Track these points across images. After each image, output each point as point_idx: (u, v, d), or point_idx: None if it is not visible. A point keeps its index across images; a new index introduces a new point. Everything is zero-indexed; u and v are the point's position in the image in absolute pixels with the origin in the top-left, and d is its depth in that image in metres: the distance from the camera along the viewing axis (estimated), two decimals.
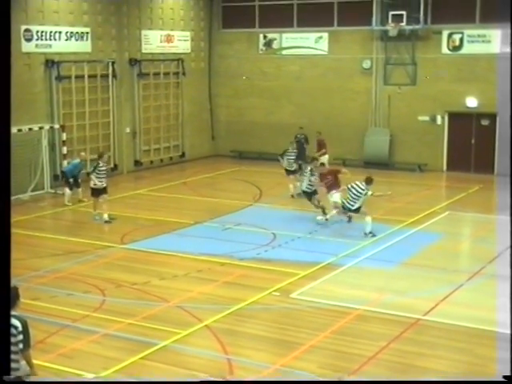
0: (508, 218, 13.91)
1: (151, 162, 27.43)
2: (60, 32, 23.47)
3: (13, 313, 8.05)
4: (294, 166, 22.02)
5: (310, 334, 11.48)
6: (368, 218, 17.33)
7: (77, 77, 24.09)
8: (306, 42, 28.48)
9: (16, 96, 21.89)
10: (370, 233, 17.21)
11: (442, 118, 26.43)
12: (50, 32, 23.11)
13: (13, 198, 20.49)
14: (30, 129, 21.81)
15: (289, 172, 22.09)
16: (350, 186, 17.57)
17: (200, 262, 15.25)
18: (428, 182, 24.63)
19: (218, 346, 10.97)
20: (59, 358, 10.47)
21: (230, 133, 30.03)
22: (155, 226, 18.35)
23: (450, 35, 25.98)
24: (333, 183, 18.43)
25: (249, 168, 27.10)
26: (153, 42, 27.26)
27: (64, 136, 22.79)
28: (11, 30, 22.06)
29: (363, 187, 17.38)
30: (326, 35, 28.09)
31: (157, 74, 27.43)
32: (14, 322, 7.97)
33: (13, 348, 7.92)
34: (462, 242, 17.92)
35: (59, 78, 23.37)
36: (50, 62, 23.10)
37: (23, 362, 8.03)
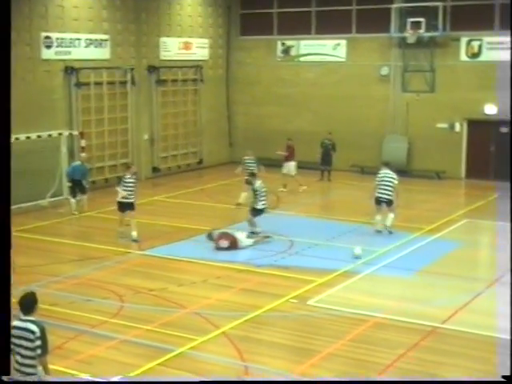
0: None
1: (169, 168, 27.53)
2: (79, 39, 23.66)
3: (30, 318, 8.11)
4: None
5: (327, 341, 11.46)
6: (392, 214, 18.05)
7: (96, 83, 24.25)
8: (323, 49, 28.50)
9: (36, 102, 22.19)
10: (389, 229, 17.92)
11: (461, 125, 26.33)
12: (70, 39, 23.30)
13: (32, 203, 20.71)
14: (50, 135, 21.95)
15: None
16: (379, 179, 18.42)
17: (218, 269, 15.28)
18: (446, 189, 24.52)
19: (234, 352, 10.98)
20: (77, 363, 10.52)
21: (247, 140, 30.01)
22: (173, 232, 18.41)
23: (468, 42, 25.90)
24: None
25: (267, 175, 27.01)
26: (171, 49, 27.39)
27: (83, 142, 22.92)
28: (32, 38, 22.20)
29: (391, 173, 18.38)
30: (344, 42, 28.09)
31: (175, 81, 27.55)
32: (32, 327, 8.03)
33: (30, 353, 7.98)
34: (480, 250, 17.83)
35: (78, 84, 23.54)
36: (70, 69, 23.27)
37: (40, 368, 8.08)
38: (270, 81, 29.53)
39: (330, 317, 12.58)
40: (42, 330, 8.03)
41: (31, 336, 7.95)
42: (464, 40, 25.93)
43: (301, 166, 26.15)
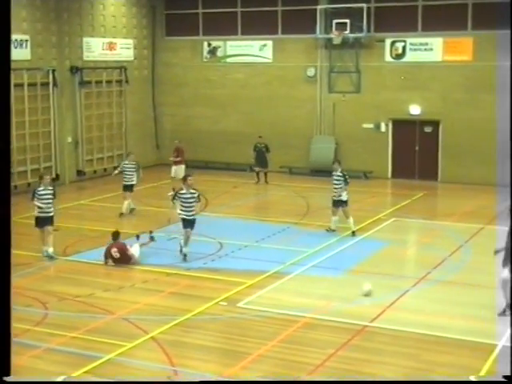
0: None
1: (94, 171, 27.15)
2: None
3: None
4: (134, 181, 20.56)
5: (257, 343, 11.48)
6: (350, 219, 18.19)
7: (16, 85, 23.65)
8: (250, 50, 28.61)
9: None
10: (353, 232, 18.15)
11: (386, 125, 26.83)
12: None
13: None
14: None
15: (126, 187, 20.52)
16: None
17: (146, 273, 15.14)
18: (373, 189, 24.93)
19: (164, 357, 10.89)
20: None
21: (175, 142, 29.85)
22: (99, 237, 18.12)
23: (392, 43, 26.42)
24: None
25: (195, 177, 26.97)
26: (95, 49, 27.02)
27: None
28: None
29: (339, 171, 18.19)
30: (270, 43, 28.26)
31: (99, 82, 27.20)
32: None
33: None
34: (407, 249, 18.18)
35: None
36: None
37: None
38: (197, 82, 29.46)
39: (260, 318, 12.61)
40: None
41: None
42: (388, 41, 26.44)
43: (230, 168, 26.30)
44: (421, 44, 25.98)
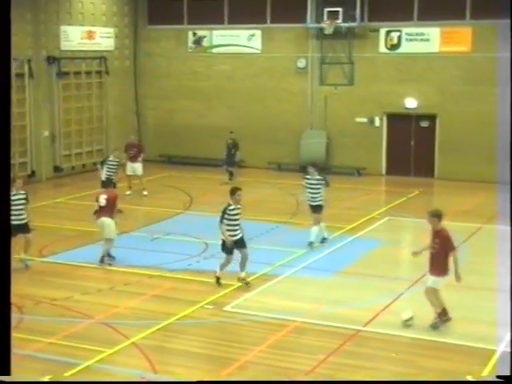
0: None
1: (73, 167, 27.09)
2: None
3: None
4: (115, 178, 20.09)
5: (244, 348, 11.50)
6: (315, 228, 17.21)
7: None
8: (237, 40, 28.61)
9: None
10: (311, 243, 17.08)
11: (381, 119, 26.89)
12: None
13: None
14: None
15: (104, 184, 18.25)
16: (305, 183, 17.44)
17: (127, 275, 15.12)
18: (367, 186, 25.01)
19: (146, 364, 10.89)
20: None
21: (158, 136, 29.88)
22: (78, 236, 18.11)
23: (387, 33, 26.48)
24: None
25: (179, 173, 27.03)
26: (73, 38, 26.95)
27: None
28: None
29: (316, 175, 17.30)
30: (258, 32, 28.26)
31: (78, 73, 27.16)
32: None
33: None
34: (402, 249, 18.23)
35: None
36: None
37: None
38: (181, 73, 29.43)
39: (247, 323, 12.63)
40: None
41: None
42: (383, 31, 26.50)
43: (215, 164, 26.30)
44: (417, 34, 26.07)
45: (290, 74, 27.92)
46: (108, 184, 17.49)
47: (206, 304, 13.37)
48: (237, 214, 14.37)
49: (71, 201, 22.54)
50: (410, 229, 20.35)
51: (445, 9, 25.48)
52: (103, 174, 20.38)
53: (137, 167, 23.23)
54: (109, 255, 15.97)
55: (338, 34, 26.61)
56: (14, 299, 13.37)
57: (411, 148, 26.67)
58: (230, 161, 25.32)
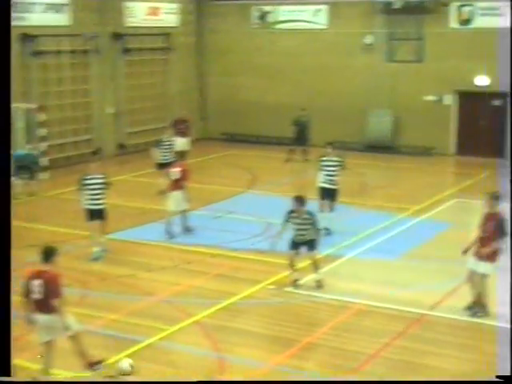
0: None
1: (136, 145, 27.39)
2: (36, 3, 23.36)
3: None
4: (171, 159, 19.44)
5: (307, 330, 11.56)
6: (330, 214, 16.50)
7: (55, 52, 24.02)
8: (303, 16, 28.44)
9: None
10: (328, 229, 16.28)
11: (450, 97, 26.45)
12: (26, 3, 23.00)
13: None
14: None
15: (163, 165, 19.31)
16: (321, 164, 16.62)
17: (190, 253, 15.29)
18: (435, 167, 24.70)
19: (208, 343, 11.04)
20: (35, 356, 10.49)
21: (221, 114, 29.98)
22: (141, 214, 18.38)
23: (459, 8, 25.96)
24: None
25: (242, 152, 27.08)
26: (137, 14, 27.17)
27: (42, 117, 22.71)
28: None
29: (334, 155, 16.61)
30: (325, 8, 28.03)
31: (142, 50, 27.39)
32: None
33: None
34: (469, 232, 17.95)
35: (35, 53, 23.31)
36: (25, 36, 23.02)
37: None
38: (244, 50, 29.42)
39: (310, 304, 12.67)
40: None
41: None
42: (454, 5, 25.98)
43: (279, 143, 26.26)
44: (490, 8, 25.45)
45: (356, 51, 27.64)
46: (163, 167, 17.94)
47: (269, 284, 13.45)
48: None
49: (135, 178, 22.83)
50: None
51: None
52: (158, 157, 20.37)
53: (185, 142, 23.56)
54: (187, 228, 16.51)
55: (407, 8, 26.20)
56: (78, 275, 13.78)
57: (482, 127, 26.17)
58: (303, 139, 25.18)
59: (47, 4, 23.74)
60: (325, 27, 28.17)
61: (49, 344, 9.67)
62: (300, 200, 13.38)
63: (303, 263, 13.77)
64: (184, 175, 16.49)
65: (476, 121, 26.22)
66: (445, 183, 22.49)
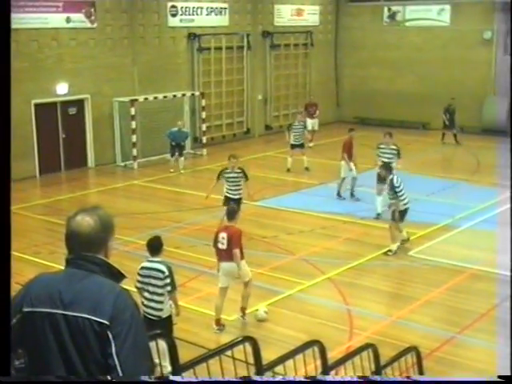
0: None
1: (280, 126, 27.46)
2: (202, 8, 23.82)
3: (158, 259, 8.39)
4: (301, 140, 19.87)
5: (425, 289, 11.31)
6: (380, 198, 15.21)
7: (215, 48, 24.43)
8: (428, 14, 27.48)
9: (162, 66, 22.62)
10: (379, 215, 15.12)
11: None
12: (193, 8, 23.51)
13: (158, 157, 21.23)
14: (174, 96, 22.42)
15: (294, 146, 19.78)
16: (378, 152, 15.37)
17: (324, 220, 15.25)
18: None
19: (339, 296, 11.01)
20: (197, 300, 10.85)
21: (353, 100, 29.59)
22: (283, 185, 18.49)
23: None
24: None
25: (370, 133, 26.56)
26: (284, 15, 27.15)
27: (203, 102, 23.27)
28: (159, 6, 22.42)
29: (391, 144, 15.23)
30: (448, 7, 26.97)
31: (287, 45, 27.38)
32: (160, 266, 8.30)
33: (159, 290, 8.27)
34: None
35: (200, 49, 23.80)
36: (193, 35, 23.54)
37: (168, 304, 8.35)
38: (375, 45, 28.80)
39: (428, 267, 12.38)
40: (170, 270, 8.29)
41: (160, 275, 8.22)
42: None
43: (403, 126, 25.69)
44: None
45: (475, 45, 26.45)
46: (295, 147, 18.99)
47: (389, 251, 13.20)
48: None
49: (278, 155, 22.95)
50: None
51: None
52: (291, 138, 19.93)
53: (315, 122, 24.04)
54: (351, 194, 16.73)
55: None
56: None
57: None
58: (453, 125, 24.44)
59: (210, 8, 24.14)
60: (447, 24, 27.11)
61: (224, 289, 9.94)
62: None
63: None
64: (347, 147, 16.83)
65: None
66: None
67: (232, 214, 10.01)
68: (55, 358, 2.98)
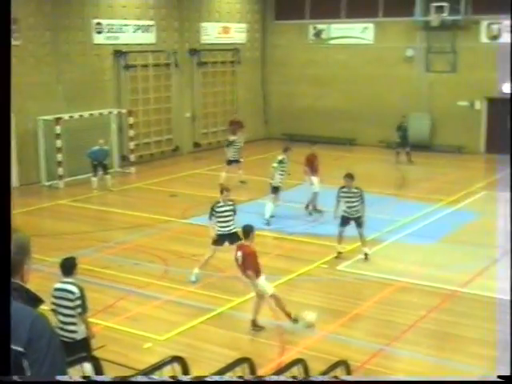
0: None
1: (209, 143, 27.56)
2: (128, 25, 23.69)
3: (70, 280, 8.22)
4: (238, 157, 20.33)
5: (354, 303, 11.48)
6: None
7: (142, 66, 24.32)
8: (352, 33, 28.15)
9: (88, 84, 22.34)
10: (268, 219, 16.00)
11: (481, 103, 25.88)
12: (119, 25, 23.36)
13: (84, 176, 20.89)
14: (101, 113, 22.16)
15: (232, 162, 20.32)
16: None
17: (256, 237, 15.24)
18: (466, 163, 24.20)
19: (270, 312, 11.04)
20: (126, 320, 10.69)
21: (281, 117, 29.95)
22: (212, 202, 18.42)
23: (488, 25, 25.33)
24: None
25: (299, 150, 26.90)
26: (211, 33, 27.28)
27: (131, 120, 23.08)
28: (84, 24, 22.13)
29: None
30: (371, 25, 27.70)
31: (214, 63, 27.50)
32: (71, 288, 8.13)
33: (70, 312, 8.09)
34: (497, 220, 17.59)
35: (126, 66, 23.64)
36: (119, 53, 23.36)
37: (82, 326, 8.17)
38: (301, 62, 29.26)
39: (357, 281, 12.58)
40: (82, 291, 8.12)
41: (71, 296, 8.06)
42: (484, 23, 25.37)
43: (330, 142, 26.04)
44: None
45: (398, 63, 27.23)
46: (233, 162, 19.26)
47: (322, 263, 13.39)
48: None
49: (208, 172, 22.97)
50: (505, 202, 19.54)
51: None
52: (229, 154, 20.45)
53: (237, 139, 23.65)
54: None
55: (443, 26, 25.71)
56: (160, 253, 13.94)
57: (507, 129, 25.50)
58: (406, 142, 24.70)
59: (136, 25, 24.02)
60: (371, 42, 27.83)
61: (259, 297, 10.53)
62: (350, 176, 13.80)
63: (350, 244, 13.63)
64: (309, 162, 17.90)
65: (502, 123, 25.57)
66: (475, 178, 21.99)
67: (247, 233, 10.49)
68: None
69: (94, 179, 20.04)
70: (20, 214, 17.57)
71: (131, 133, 23.18)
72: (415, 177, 21.97)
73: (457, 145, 26.06)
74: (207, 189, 20.13)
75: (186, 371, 3.99)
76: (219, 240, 12.51)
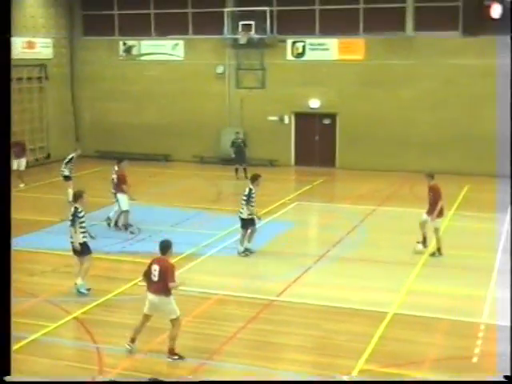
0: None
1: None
2: None
3: None
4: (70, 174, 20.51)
5: None
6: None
7: None
8: (162, 49, 28.29)
9: None
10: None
11: (289, 117, 27.07)
12: None
13: None
14: None
15: (68, 178, 20.42)
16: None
17: (67, 258, 14.64)
18: (278, 175, 25.10)
19: (87, 336, 10.72)
20: None
21: (94, 134, 29.32)
22: (21, 225, 17.55)
23: (293, 43, 26.62)
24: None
25: (112, 167, 26.50)
26: (15, 48, 26.04)
27: None
28: None
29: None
30: (181, 43, 28.01)
31: (20, 79, 26.30)
32: None
33: None
34: (309, 229, 18.45)
35: None
36: None
37: None
38: (113, 78, 28.89)
39: (176, 297, 12.50)
40: None
41: None
42: (290, 41, 26.62)
43: (146, 158, 25.91)
44: (319, 44, 26.30)
45: (210, 79, 27.75)
46: (69, 179, 19.77)
47: (140, 281, 13.17)
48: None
49: (15, 193, 21.78)
50: (315, 212, 20.59)
51: (342, 23, 25.87)
52: (66, 171, 20.40)
53: (21, 163, 22.98)
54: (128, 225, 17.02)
55: (251, 44, 26.59)
56: None
57: (316, 142, 26.94)
58: (243, 158, 24.51)
59: None
60: (182, 59, 28.13)
61: (148, 316, 10.24)
62: None
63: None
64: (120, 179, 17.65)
65: (310, 136, 26.94)
66: (287, 189, 22.91)
67: (165, 249, 10.22)
68: None
69: None
70: None
71: None
72: (230, 191, 22.44)
73: (268, 158, 27.01)
74: (14, 210, 19.13)
75: None
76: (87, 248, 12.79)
